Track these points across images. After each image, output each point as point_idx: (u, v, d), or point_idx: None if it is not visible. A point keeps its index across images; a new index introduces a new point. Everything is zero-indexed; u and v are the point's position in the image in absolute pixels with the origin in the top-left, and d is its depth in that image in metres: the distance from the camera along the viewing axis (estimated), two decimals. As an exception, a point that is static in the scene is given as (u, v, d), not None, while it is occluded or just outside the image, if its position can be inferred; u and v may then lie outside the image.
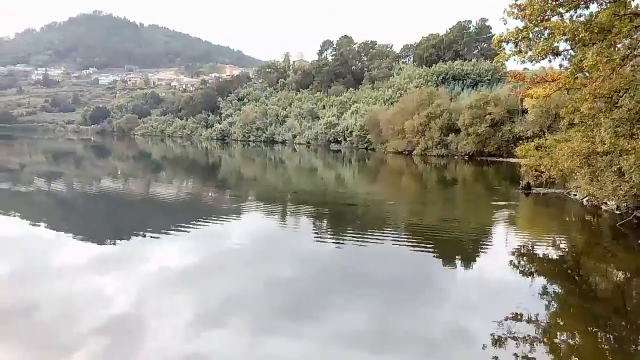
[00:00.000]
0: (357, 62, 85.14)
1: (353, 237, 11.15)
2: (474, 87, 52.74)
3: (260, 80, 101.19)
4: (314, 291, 7.55)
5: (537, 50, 10.48)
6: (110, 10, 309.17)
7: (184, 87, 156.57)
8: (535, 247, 10.74)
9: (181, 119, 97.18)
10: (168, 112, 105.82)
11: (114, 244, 10.12)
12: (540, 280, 8.26)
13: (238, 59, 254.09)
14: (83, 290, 7.09)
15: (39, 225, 11.52)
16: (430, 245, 10.47)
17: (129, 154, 47.83)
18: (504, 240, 11.51)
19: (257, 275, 8.17)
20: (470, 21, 70.20)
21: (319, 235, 11.46)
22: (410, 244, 10.61)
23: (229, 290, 7.34)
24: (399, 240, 10.84)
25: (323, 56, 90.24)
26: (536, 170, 17.18)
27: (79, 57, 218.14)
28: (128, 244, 10.10)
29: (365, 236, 11.11)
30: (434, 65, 62.94)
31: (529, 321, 6.27)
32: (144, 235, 10.63)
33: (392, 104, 56.28)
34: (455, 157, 41.30)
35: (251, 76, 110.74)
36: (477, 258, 9.75)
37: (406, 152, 45.62)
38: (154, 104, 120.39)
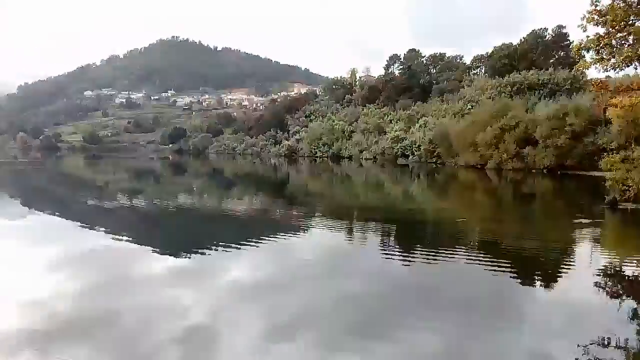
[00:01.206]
0: (425, 75, 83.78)
1: (423, 254, 10.83)
2: (552, 97, 49.84)
3: (327, 97, 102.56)
4: (383, 309, 7.37)
5: (621, 58, 9.77)
6: (187, 35, 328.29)
7: (254, 106, 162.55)
8: (623, 266, 9.85)
9: (251, 137, 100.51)
10: (239, 130, 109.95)
11: (189, 257, 10.57)
12: (629, 303, 7.54)
13: (306, 77, 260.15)
14: (160, 301, 7.43)
15: (121, 239, 12.29)
16: (507, 265, 9.87)
17: (203, 171, 50.15)
18: (588, 259, 10.66)
19: (325, 290, 8.14)
20: (546, 29, 66.86)
21: (387, 252, 11.25)
22: (484, 262, 10.08)
23: (298, 305, 7.37)
24: (472, 259, 10.36)
25: (390, 70, 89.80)
26: (623, 185, 15.88)
27: (159, 80, 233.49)
28: (202, 257, 10.49)
29: (436, 254, 10.74)
30: (507, 75, 60.34)
31: (617, 347, 5.72)
32: (217, 249, 11.00)
33: (462, 116, 54.61)
34: (533, 170, 39.16)
35: (318, 93, 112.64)
36: (558, 278, 9.09)
37: (478, 166, 43.97)
38: (226, 123, 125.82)
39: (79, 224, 14.71)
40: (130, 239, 12.31)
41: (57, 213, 16.96)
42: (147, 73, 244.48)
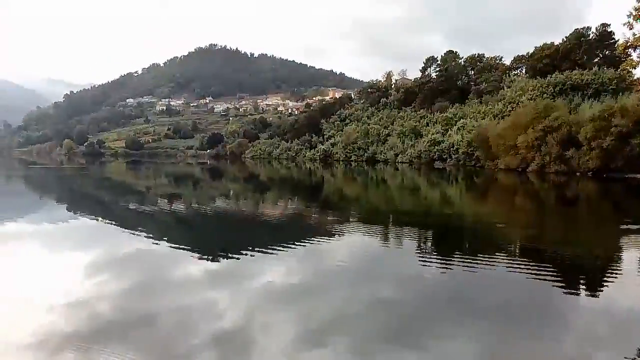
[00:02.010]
0: (463, 77, 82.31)
1: (460, 260, 10.56)
2: (596, 98, 47.91)
3: (362, 101, 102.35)
4: (418, 315, 7.24)
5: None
6: (225, 42, 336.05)
7: (289, 111, 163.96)
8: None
9: (286, 142, 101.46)
10: (275, 135, 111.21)
11: (225, 260, 10.72)
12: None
13: (340, 81, 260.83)
14: (196, 303, 7.56)
15: (160, 242, 12.61)
16: (549, 272, 9.48)
17: (240, 175, 50.94)
18: (636, 266, 10.14)
19: (359, 296, 8.07)
20: (589, 28, 64.36)
21: (423, 258, 11.04)
22: (525, 269, 9.70)
23: (331, 310, 7.32)
24: (512, 266, 10.01)
25: (426, 73, 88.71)
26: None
27: (197, 87, 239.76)
28: (237, 260, 10.62)
29: (474, 260, 10.45)
30: (549, 76, 58.47)
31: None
32: (252, 253, 11.11)
33: (502, 118, 53.32)
34: (577, 173, 37.72)
35: (353, 97, 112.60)
36: (604, 286, 8.67)
37: (519, 169, 42.75)
38: (262, 128, 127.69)
39: (121, 227, 15.22)
40: (169, 242, 12.61)
41: (100, 217, 17.58)
42: (186, 80, 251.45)
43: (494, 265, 10.06)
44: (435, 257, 11.13)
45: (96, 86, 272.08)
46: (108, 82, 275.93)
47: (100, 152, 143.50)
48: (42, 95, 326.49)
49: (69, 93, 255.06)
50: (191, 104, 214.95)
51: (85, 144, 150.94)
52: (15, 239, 13.10)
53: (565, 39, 65.45)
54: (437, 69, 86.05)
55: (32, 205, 22.00)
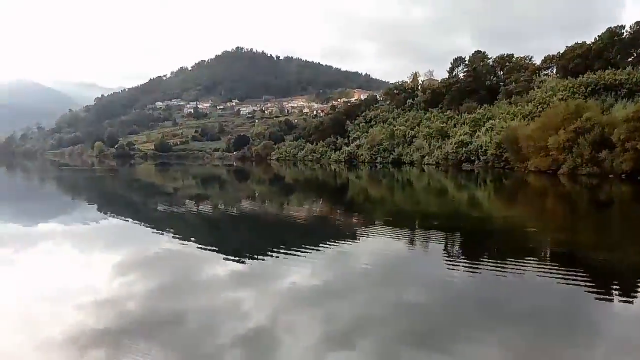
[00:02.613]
0: (492, 77, 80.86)
1: (489, 264, 10.36)
2: (630, 98, 46.37)
3: (387, 102, 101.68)
4: (444, 320, 7.13)
5: None
6: (251, 46, 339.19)
7: (314, 113, 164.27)
8: None
9: (311, 144, 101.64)
10: (300, 137, 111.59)
11: (251, 261, 10.81)
12: None
13: (366, 82, 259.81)
14: (223, 303, 7.66)
15: (187, 243, 12.83)
16: (581, 277, 9.20)
17: (265, 177, 51.34)
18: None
19: (384, 298, 8.02)
20: (622, 26, 62.37)
21: (450, 261, 10.89)
22: (556, 274, 9.42)
23: (356, 312, 7.30)
24: (543, 270, 9.75)
25: (454, 73, 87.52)
26: None
27: (224, 90, 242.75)
28: (263, 262, 10.70)
29: (503, 265, 10.22)
30: (580, 75, 56.90)
31: None
32: (277, 254, 11.19)
33: (532, 119, 52.09)
34: (610, 176, 36.54)
35: (379, 98, 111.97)
36: (638, 293, 8.38)
37: (550, 171, 41.70)
38: (287, 130, 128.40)
39: (149, 228, 15.57)
40: (196, 242, 12.81)
41: (130, 218, 18.00)
42: (213, 84, 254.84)
43: (524, 269, 9.83)
44: (462, 260, 10.95)
45: (126, 90, 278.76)
46: (138, 85, 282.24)
47: (130, 154, 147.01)
48: (74, 99, 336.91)
49: (100, 96, 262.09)
50: (218, 107, 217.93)
51: (116, 146, 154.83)
52: (49, 239, 13.54)
53: (597, 38, 63.61)
54: (465, 69, 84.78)
55: (65, 207, 22.71)
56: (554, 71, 72.32)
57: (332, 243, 12.63)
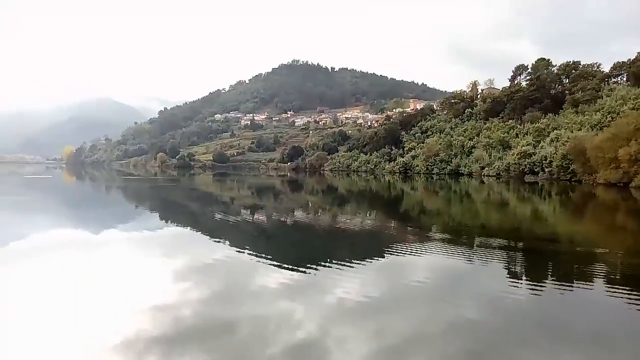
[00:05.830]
0: (557, 85, 77.29)
1: (553, 283, 9.74)
2: None
3: (444, 112, 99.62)
4: (503, 339, 6.76)
5: None
6: (306, 58, 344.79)
7: (369, 123, 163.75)
8: None
9: (365, 154, 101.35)
10: (354, 148, 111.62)
11: (303, 271, 10.79)
12: None
13: (422, 92, 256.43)
14: (273, 313, 7.67)
15: (242, 252, 13.05)
16: (658, 301, 8.45)
17: (319, 188, 51.58)
18: None
19: (439, 314, 7.72)
20: None
21: (511, 278, 10.35)
22: (626, 296, 8.72)
23: (408, 328, 7.07)
24: (611, 291, 9.02)
25: (516, 82, 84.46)
26: None
27: (279, 102, 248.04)
28: (315, 272, 10.65)
29: (569, 285, 9.57)
30: (654, 83, 53.26)
31: None
32: (330, 265, 11.11)
33: (601, 129, 49.28)
34: (690, 190, 33.71)
35: (435, 108, 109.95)
36: None
37: (621, 184, 39.09)
38: (341, 141, 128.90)
39: (207, 236, 16.05)
40: (250, 251, 13.00)
41: (188, 226, 18.63)
42: (269, 96, 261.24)
43: (591, 291, 9.16)
44: (524, 279, 10.36)
45: (187, 103, 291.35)
46: (198, 99, 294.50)
47: (190, 165, 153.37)
48: (139, 112, 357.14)
49: (163, 109, 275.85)
50: (273, 118, 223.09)
51: (177, 157, 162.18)
52: (112, 245, 14.25)
53: (674, 41, 59.25)
54: (528, 77, 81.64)
55: (129, 214, 23.88)
56: (625, 79, 68.07)
57: (385, 256, 12.40)
